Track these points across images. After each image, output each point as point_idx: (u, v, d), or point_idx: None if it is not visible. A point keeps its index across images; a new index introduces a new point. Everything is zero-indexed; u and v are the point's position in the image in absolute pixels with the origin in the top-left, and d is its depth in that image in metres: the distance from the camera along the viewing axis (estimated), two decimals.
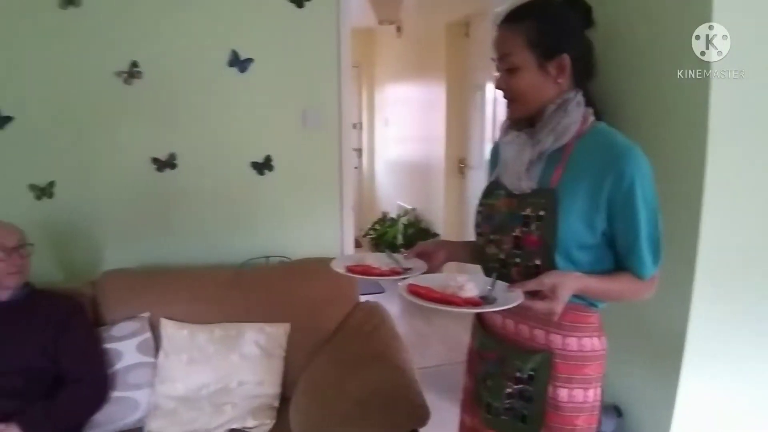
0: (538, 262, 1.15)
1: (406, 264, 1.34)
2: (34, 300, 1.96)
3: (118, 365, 1.99)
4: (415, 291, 1.14)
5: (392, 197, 6.17)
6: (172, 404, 1.95)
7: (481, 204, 1.32)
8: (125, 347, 2.02)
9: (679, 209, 1.55)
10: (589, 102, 1.22)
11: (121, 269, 2.30)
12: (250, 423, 1.91)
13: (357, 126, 7.19)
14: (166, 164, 2.60)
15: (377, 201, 6.83)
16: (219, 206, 2.65)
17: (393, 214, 5.84)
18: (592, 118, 1.20)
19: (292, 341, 2.14)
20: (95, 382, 1.92)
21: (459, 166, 4.57)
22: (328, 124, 2.75)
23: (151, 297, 2.17)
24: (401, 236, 5.17)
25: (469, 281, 1.16)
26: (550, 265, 1.14)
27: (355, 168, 7.23)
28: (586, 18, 1.22)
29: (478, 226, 1.31)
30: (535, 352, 1.19)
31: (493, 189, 1.30)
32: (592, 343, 1.21)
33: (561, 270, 1.12)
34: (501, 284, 1.15)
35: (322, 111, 2.73)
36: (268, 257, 2.59)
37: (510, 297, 1.09)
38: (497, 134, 3.04)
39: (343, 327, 2.23)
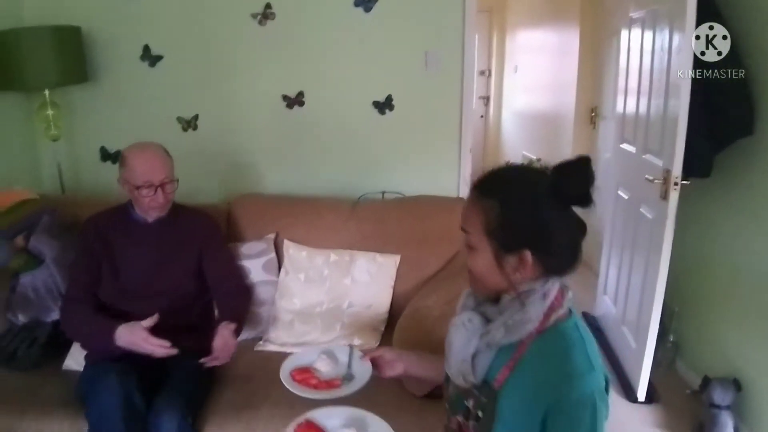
0: None
1: (354, 369, 1.39)
2: (177, 218, 2.02)
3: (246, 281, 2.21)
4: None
5: (517, 147, 6.01)
6: (289, 317, 2.16)
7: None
8: (253, 265, 2.24)
9: None
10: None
11: (252, 194, 2.53)
12: (356, 342, 2.06)
13: (485, 73, 7.02)
14: (295, 101, 2.77)
15: (502, 151, 6.69)
16: (341, 142, 2.79)
17: None
18: (560, 313, 0.99)
19: (401, 272, 2.25)
20: (247, 289, 2.16)
21: (590, 115, 4.32)
22: (450, 67, 2.74)
23: (278, 220, 2.37)
24: None
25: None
26: None
27: (481, 117, 7.10)
28: (583, 198, 0.96)
29: (444, 380, 1.18)
30: None
31: None
32: None
33: None
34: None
35: (445, 54, 2.72)
36: (384, 192, 2.69)
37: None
38: (632, 83, 2.87)
39: (451, 264, 2.29)
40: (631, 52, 2.97)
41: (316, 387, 1.37)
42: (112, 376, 1.68)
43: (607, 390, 0.96)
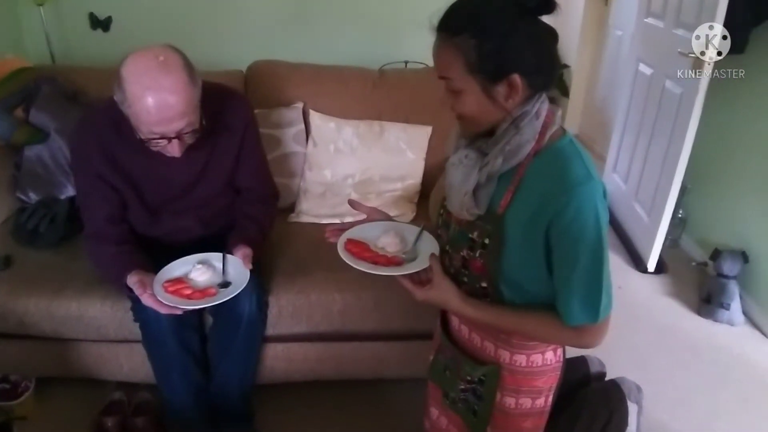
0: (484, 284, 1.07)
1: (230, 275, 1.43)
2: (208, 110, 1.49)
3: (276, 153, 2.11)
4: (349, 249, 1.16)
5: None
6: (320, 189, 2.11)
7: (441, 206, 1.18)
8: (283, 135, 2.13)
9: None
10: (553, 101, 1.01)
11: (270, 60, 2.34)
12: (392, 212, 2.02)
13: None
14: None
15: None
16: (359, 8, 2.59)
17: None
18: (554, 130, 0.99)
19: (433, 144, 2.18)
20: (275, 194, 1.84)
21: None
22: None
23: (302, 88, 2.23)
24: None
25: (395, 236, 1.19)
26: (495, 293, 1.06)
27: None
28: (545, 5, 0.92)
29: (438, 227, 1.19)
30: (483, 363, 1.15)
31: None
32: (544, 358, 1.13)
33: (476, 295, 1.07)
34: (425, 239, 1.18)
35: None
36: (407, 62, 2.55)
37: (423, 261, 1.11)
38: None
39: None
40: None
41: (189, 297, 1.38)
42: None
43: (604, 196, 0.97)
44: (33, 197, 2.12)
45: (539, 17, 0.94)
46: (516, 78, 0.93)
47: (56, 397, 1.92)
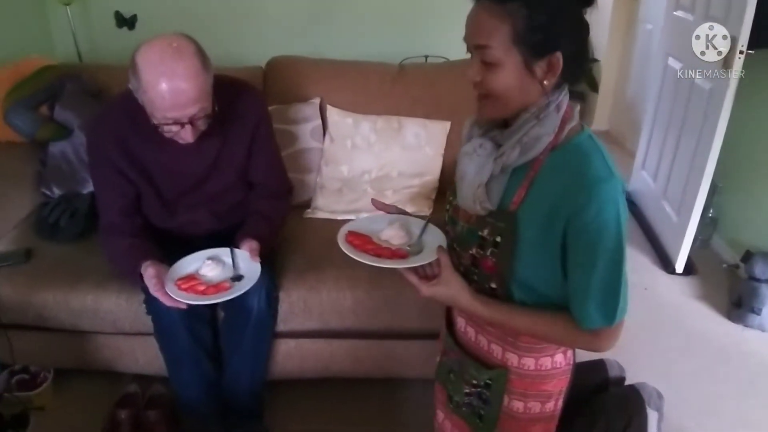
0: (494, 285, 1.02)
1: (242, 269, 1.42)
2: (220, 103, 1.50)
3: (293, 148, 2.11)
4: (351, 241, 1.11)
5: None
6: (337, 185, 2.10)
7: (448, 201, 1.13)
8: (300, 131, 2.13)
9: None
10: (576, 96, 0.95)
11: (289, 56, 2.34)
12: (409, 208, 1.99)
13: None
14: None
15: None
16: (379, 3, 2.57)
17: None
18: (572, 125, 0.95)
19: (452, 140, 2.14)
20: (289, 190, 1.84)
21: None
22: None
23: (320, 84, 2.22)
24: None
25: (400, 228, 1.13)
26: (506, 293, 1.01)
27: None
28: None
29: (446, 224, 1.13)
30: (490, 366, 1.11)
31: None
32: (553, 361, 1.09)
33: (487, 293, 1.02)
34: (432, 232, 1.12)
35: None
36: (427, 56, 2.52)
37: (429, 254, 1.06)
38: None
39: None
40: None
41: (204, 293, 1.37)
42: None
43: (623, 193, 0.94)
44: (57, 192, 2.16)
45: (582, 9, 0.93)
46: (558, 56, 0.90)
47: (74, 389, 1.95)
